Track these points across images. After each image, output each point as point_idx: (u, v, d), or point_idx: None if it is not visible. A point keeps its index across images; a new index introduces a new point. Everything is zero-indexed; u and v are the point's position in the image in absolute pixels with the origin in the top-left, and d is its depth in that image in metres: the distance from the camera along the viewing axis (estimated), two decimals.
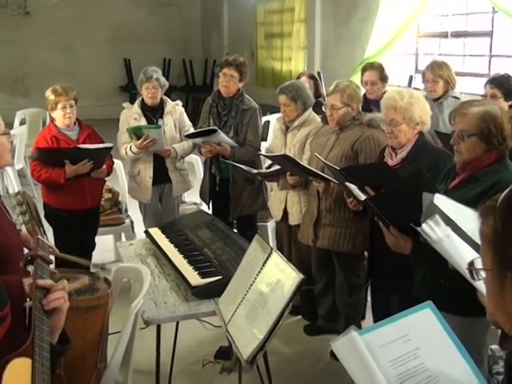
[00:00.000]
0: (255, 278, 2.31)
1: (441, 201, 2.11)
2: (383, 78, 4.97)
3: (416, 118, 3.06)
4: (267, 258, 2.30)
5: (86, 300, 2.49)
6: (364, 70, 5.09)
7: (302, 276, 2.10)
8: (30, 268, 2.07)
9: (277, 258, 2.26)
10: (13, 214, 2.36)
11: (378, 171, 3.09)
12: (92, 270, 2.51)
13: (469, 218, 1.94)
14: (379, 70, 4.98)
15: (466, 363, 1.52)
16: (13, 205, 2.25)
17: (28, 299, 1.97)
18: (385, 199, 2.69)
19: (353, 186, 2.92)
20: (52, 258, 1.95)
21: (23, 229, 2.48)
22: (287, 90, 4.09)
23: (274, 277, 2.22)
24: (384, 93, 4.82)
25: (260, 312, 2.20)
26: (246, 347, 2.18)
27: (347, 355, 1.48)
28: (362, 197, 2.80)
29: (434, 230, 1.88)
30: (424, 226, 1.93)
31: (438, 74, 4.50)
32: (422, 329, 1.54)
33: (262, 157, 4.48)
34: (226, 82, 4.42)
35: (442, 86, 4.51)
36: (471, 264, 1.21)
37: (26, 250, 2.43)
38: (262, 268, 2.30)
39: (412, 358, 1.49)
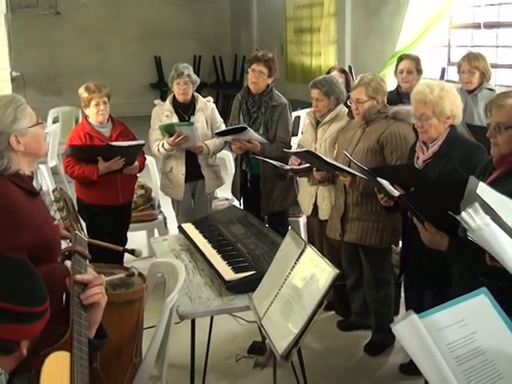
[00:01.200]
0: (289, 273, 2.30)
1: (483, 190, 2.08)
2: (419, 70, 4.91)
3: (447, 111, 3.01)
4: (301, 253, 2.29)
5: (121, 294, 2.51)
6: (400, 59, 5.04)
7: (337, 271, 2.09)
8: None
9: (311, 253, 2.25)
10: (50, 210, 2.41)
11: (406, 173, 3.06)
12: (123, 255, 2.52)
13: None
14: (416, 60, 4.93)
15: None
16: (50, 201, 2.29)
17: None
18: (419, 196, 2.66)
19: (385, 182, 2.89)
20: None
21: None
22: (321, 85, 4.06)
23: (308, 271, 2.21)
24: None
25: (294, 307, 2.20)
26: (280, 342, 2.18)
27: (408, 337, 1.54)
28: (396, 193, 2.78)
29: (473, 218, 1.86)
30: (463, 214, 1.90)
31: (474, 66, 4.44)
32: (478, 314, 1.59)
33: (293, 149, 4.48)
34: (255, 78, 4.41)
35: (477, 77, 4.46)
36: None
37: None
38: (296, 263, 2.30)
39: (469, 342, 1.55)
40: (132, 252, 2.55)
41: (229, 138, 4.42)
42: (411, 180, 2.89)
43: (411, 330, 1.53)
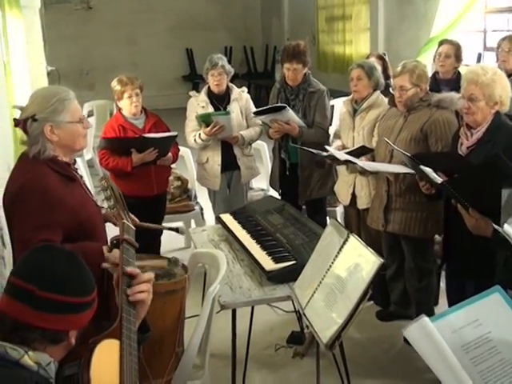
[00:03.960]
0: (332, 263, 2.29)
1: None
2: (458, 56, 4.81)
3: (496, 96, 2.95)
4: (344, 242, 2.27)
5: (164, 285, 2.53)
6: (441, 42, 4.97)
7: (381, 260, 2.07)
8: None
9: (355, 242, 2.23)
10: (94, 199, 2.46)
11: (449, 160, 3.01)
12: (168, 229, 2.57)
13: None
14: (456, 46, 4.84)
15: None
16: (97, 190, 2.32)
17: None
18: (463, 182, 2.62)
19: (428, 169, 2.86)
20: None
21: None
22: (363, 63, 4.09)
23: (352, 261, 2.20)
24: (455, 71, 4.70)
25: (338, 297, 2.18)
26: (324, 332, 2.17)
27: (420, 341, 1.52)
28: (439, 180, 2.74)
29: None
30: (506, 226, 1.88)
31: None
32: (493, 313, 1.57)
33: (330, 139, 4.44)
34: (291, 76, 4.39)
35: None
36: None
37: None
38: (339, 252, 2.28)
39: (484, 342, 1.53)
40: (176, 230, 2.57)
41: (267, 117, 4.38)
42: (454, 167, 2.84)
43: (423, 334, 1.51)
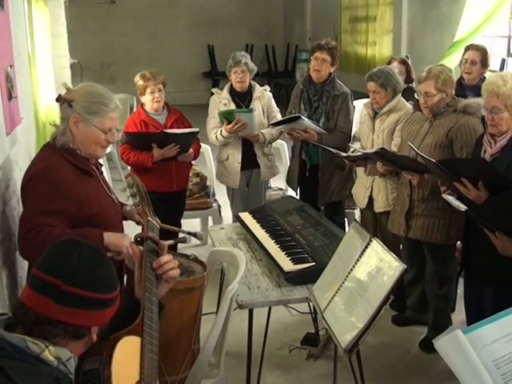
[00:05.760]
0: (353, 266, 2.27)
1: None
2: (484, 62, 4.75)
3: None
4: (366, 246, 2.26)
5: (182, 282, 2.51)
6: (467, 48, 4.90)
7: (404, 266, 2.05)
8: None
9: (377, 246, 2.21)
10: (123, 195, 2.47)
11: (475, 167, 2.98)
12: (182, 235, 2.59)
13: None
14: (483, 52, 4.76)
15: None
16: (123, 187, 2.32)
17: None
18: (488, 209, 2.61)
19: (450, 198, 2.86)
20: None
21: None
22: (376, 77, 3.99)
23: (373, 265, 2.18)
24: (481, 77, 4.64)
25: (359, 301, 2.17)
26: (344, 336, 2.16)
27: (451, 353, 1.48)
28: (463, 208, 2.72)
29: None
30: None
31: None
32: None
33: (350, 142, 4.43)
34: (318, 66, 4.37)
35: None
36: None
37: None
38: (360, 256, 2.26)
39: None
40: (194, 235, 2.57)
41: (285, 128, 4.38)
42: (480, 173, 2.82)
43: (455, 346, 1.48)
